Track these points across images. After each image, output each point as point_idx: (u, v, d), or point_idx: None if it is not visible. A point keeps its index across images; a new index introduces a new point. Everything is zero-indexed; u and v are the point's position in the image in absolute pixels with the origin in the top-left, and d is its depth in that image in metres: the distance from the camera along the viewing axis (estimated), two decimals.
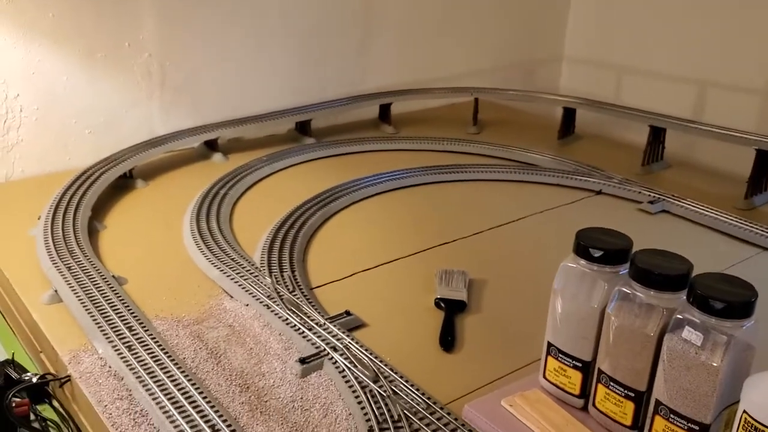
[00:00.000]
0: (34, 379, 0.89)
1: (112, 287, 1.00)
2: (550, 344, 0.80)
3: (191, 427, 0.74)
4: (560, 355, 0.79)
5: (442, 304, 1.00)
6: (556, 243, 1.22)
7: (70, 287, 0.98)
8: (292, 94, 1.69)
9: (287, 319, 0.94)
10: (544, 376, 0.81)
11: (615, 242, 0.76)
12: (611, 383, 0.74)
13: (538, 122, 1.89)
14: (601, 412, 0.76)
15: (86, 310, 0.94)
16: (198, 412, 0.77)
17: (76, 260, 1.05)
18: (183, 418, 0.76)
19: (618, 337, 0.73)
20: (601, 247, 0.75)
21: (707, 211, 1.31)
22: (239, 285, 1.02)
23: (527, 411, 0.78)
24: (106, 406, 0.79)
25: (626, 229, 1.27)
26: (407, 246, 1.18)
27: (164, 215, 1.27)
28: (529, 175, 1.47)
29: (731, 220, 1.27)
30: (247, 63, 1.63)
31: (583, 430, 0.75)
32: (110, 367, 0.85)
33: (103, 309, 0.94)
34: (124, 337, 0.89)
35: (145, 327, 0.91)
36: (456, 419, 0.77)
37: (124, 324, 0.91)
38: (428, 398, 0.80)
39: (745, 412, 0.61)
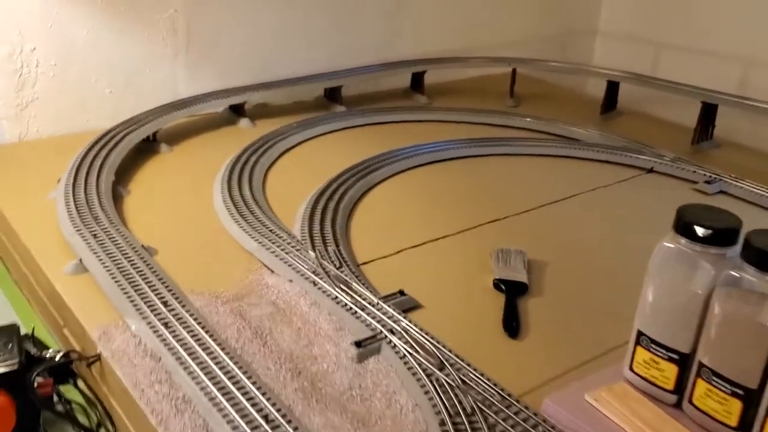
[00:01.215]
0: (58, 357, 0.81)
1: (143, 257, 0.91)
2: (640, 333, 0.72)
3: (242, 417, 0.66)
4: (653, 345, 0.71)
5: (502, 286, 0.92)
6: (614, 223, 1.15)
7: (97, 256, 0.90)
8: (322, 58, 1.60)
9: (336, 297, 0.86)
10: (631, 369, 0.73)
11: (723, 220, 0.67)
12: (714, 379, 0.66)
13: (576, 97, 1.80)
14: (700, 410, 0.68)
15: (116, 281, 0.85)
16: (248, 400, 0.68)
17: (102, 227, 0.96)
18: (232, 406, 0.67)
19: (726, 327, 0.65)
20: (708, 226, 0.67)
21: (766, 191, 1.23)
22: (281, 259, 0.93)
23: (616, 407, 0.70)
24: (143, 390, 0.71)
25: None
26: (455, 222, 1.09)
27: (192, 182, 1.18)
28: (576, 151, 1.38)
29: None
30: (274, 23, 1.53)
31: (681, 429, 0.67)
32: (146, 345, 0.77)
33: (135, 281, 0.86)
34: (160, 313, 0.80)
35: (181, 302, 0.83)
36: (535, 414, 0.69)
37: (159, 298, 0.83)
38: (501, 389, 0.72)
39: None
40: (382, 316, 0.82)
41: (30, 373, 0.74)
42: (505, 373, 0.75)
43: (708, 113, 1.45)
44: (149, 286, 0.85)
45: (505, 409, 0.70)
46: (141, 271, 0.88)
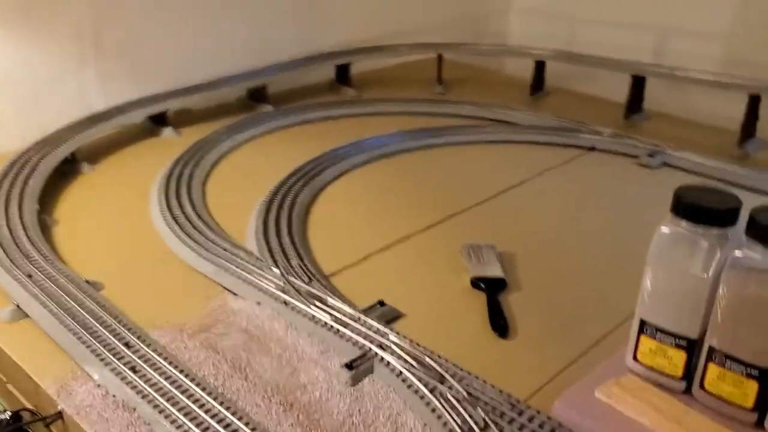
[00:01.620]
0: (4, 417, 0.72)
1: (89, 294, 0.82)
2: (644, 322, 0.69)
3: None
4: (659, 333, 0.68)
5: (482, 285, 0.88)
6: (570, 205, 1.14)
7: (36, 299, 0.80)
8: (242, 57, 1.51)
9: (314, 316, 0.79)
10: (635, 359, 0.71)
11: (722, 200, 0.66)
12: (728, 361, 0.65)
13: (502, 79, 1.79)
14: (713, 394, 0.67)
15: (64, 325, 0.76)
16: None
17: (36, 265, 0.86)
18: None
19: (736, 308, 0.63)
20: (708, 207, 0.65)
21: (708, 161, 1.25)
22: (243, 280, 0.86)
23: (629, 401, 0.67)
24: None
25: (633, 186, 1.22)
26: (415, 220, 1.05)
27: (124, 202, 1.08)
28: (516, 134, 1.37)
29: (736, 169, 1.22)
30: (187, 24, 1.43)
31: (704, 421, 0.65)
32: (115, 396, 0.68)
33: (86, 323, 0.77)
34: (123, 357, 0.72)
35: (144, 341, 0.75)
36: (549, 418, 0.66)
37: (119, 339, 0.74)
38: (509, 396, 0.69)
39: None
40: (368, 332, 0.77)
41: None
42: (504, 377, 0.71)
43: (638, 86, 1.46)
44: (104, 327, 0.76)
45: (517, 417, 0.66)
46: (91, 310, 0.79)
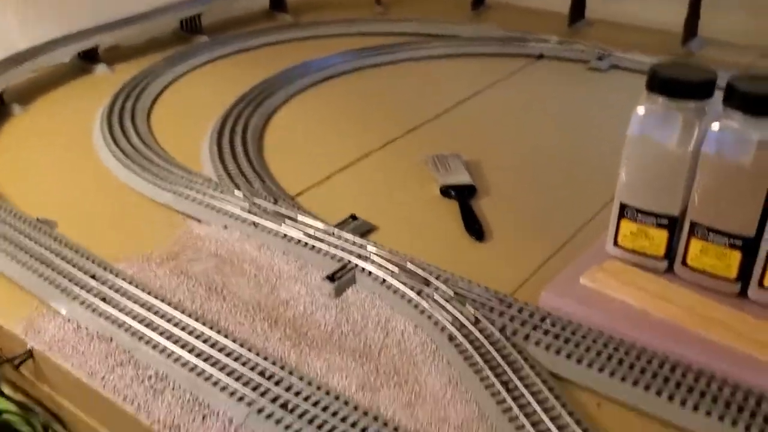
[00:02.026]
0: None
1: (45, 231, 0.77)
2: (624, 206, 0.69)
3: (236, 380, 0.57)
4: (639, 214, 0.68)
5: (452, 192, 0.87)
6: (527, 112, 1.13)
7: None
8: None
9: (285, 234, 0.77)
10: (616, 244, 0.71)
11: (697, 73, 0.65)
12: (711, 234, 0.65)
13: None
14: (696, 270, 0.67)
15: (22, 264, 0.71)
16: (235, 360, 0.59)
17: None
18: (219, 370, 0.58)
19: (718, 180, 0.63)
20: (684, 80, 0.64)
21: (656, 60, 1.25)
22: (205, 206, 0.82)
23: (615, 284, 0.67)
24: (104, 377, 0.59)
25: (586, 89, 1.22)
26: (373, 137, 1.02)
27: (66, 140, 1.01)
28: (462, 47, 1.34)
29: None
30: None
31: (689, 294, 0.66)
32: (87, 329, 0.64)
33: (45, 259, 0.72)
34: (91, 289, 0.68)
35: (111, 272, 0.71)
36: (537, 308, 0.66)
37: (83, 273, 0.70)
38: (495, 293, 0.68)
39: None
40: (345, 244, 0.75)
41: None
42: (487, 277, 0.71)
43: None
44: (66, 261, 0.72)
45: (506, 310, 0.65)
46: (48, 246, 0.74)
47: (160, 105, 1.13)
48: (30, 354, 0.64)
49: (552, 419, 0.54)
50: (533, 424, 0.53)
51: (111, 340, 0.63)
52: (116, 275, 0.70)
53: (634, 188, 0.68)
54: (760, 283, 0.64)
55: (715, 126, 0.63)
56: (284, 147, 1.00)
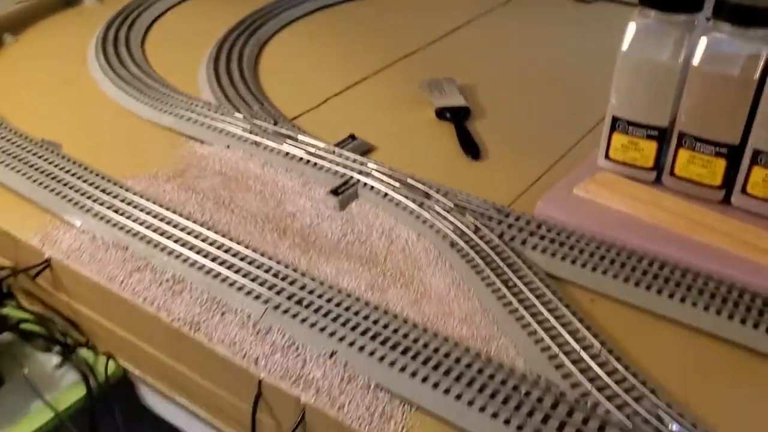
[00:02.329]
0: None
1: (52, 150, 0.79)
2: (616, 119, 0.72)
3: (252, 280, 0.60)
4: (631, 127, 0.72)
5: (447, 114, 0.89)
6: (522, 39, 1.15)
7: None
8: None
9: (288, 153, 0.79)
10: (607, 157, 0.74)
11: None
12: (698, 144, 0.69)
13: None
14: (683, 179, 0.71)
15: (33, 180, 0.73)
16: (250, 263, 0.62)
17: None
18: (235, 272, 0.61)
19: (706, 90, 0.66)
20: None
21: None
22: (207, 127, 0.84)
23: (607, 193, 0.71)
24: (122, 281, 0.62)
25: (573, 19, 1.24)
26: (368, 63, 1.04)
27: (61, 69, 1.02)
28: None
29: None
30: None
31: (677, 201, 0.70)
32: (103, 239, 0.67)
33: (55, 176, 0.74)
34: (104, 202, 0.70)
35: (122, 187, 0.73)
36: (533, 217, 0.69)
37: (94, 188, 0.72)
38: (493, 204, 0.71)
39: None
40: (346, 161, 0.77)
41: None
42: (484, 192, 0.73)
43: None
44: (76, 177, 0.74)
45: (504, 219, 0.69)
46: (58, 164, 0.76)
47: (153, 34, 1.13)
48: (48, 263, 0.66)
49: (550, 311, 0.58)
50: (532, 315, 0.57)
51: (126, 248, 0.65)
52: (126, 191, 0.72)
53: (625, 102, 0.71)
54: (743, 190, 0.68)
55: (705, 38, 0.65)
56: (279, 74, 1.02)
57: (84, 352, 0.67)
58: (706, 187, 0.70)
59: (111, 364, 0.67)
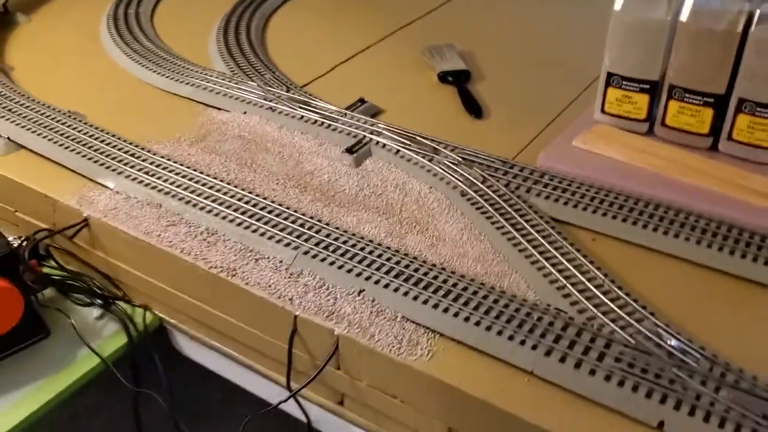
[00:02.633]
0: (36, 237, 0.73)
1: (78, 119, 0.83)
2: (611, 75, 0.77)
3: (281, 230, 0.65)
4: (624, 82, 0.77)
5: (450, 78, 0.94)
6: (518, 8, 1.19)
7: (27, 129, 0.80)
8: None
9: (303, 116, 0.83)
10: (603, 110, 0.80)
11: None
12: (687, 95, 0.74)
13: None
14: (674, 128, 0.76)
15: (65, 147, 0.78)
16: (277, 216, 0.67)
17: (13, 101, 0.85)
18: (264, 224, 0.66)
19: (695, 44, 0.72)
20: None
21: None
22: (224, 95, 0.88)
23: (604, 144, 0.76)
24: (159, 235, 0.67)
25: None
26: (371, 32, 1.08)
27: (76, 44, 1.06)
28: None
29: None
30: None
31: (668, 148, 0.75)
32: (137, 198, 0.71)
33: (84, 142, 0.78)
34: (134, 165, 0.75)
35: (149, 151, 0.77)
36: (536, 169, 0.74)
37: (124, 152, 0.77)
38: (498, 158, 0.76)
39: None
40: (358, 123, 0.82)
41: (22, 252, 0.68)
42: (488, 148, 0.79)
43: None
44: (104, 143, 0.78)
45: (509, 170, 0.74)
46: (85, 132, 0.80)
47: (161, 10, 1.17)
48: (86, 222, 0.71)
49: (556, 249, 0.63)
50: (540, 253, 0.62)
51: (160, 206, 0.70)
52: (154, 155, 0.77)
53: (619, 58, 0.76)
54: (729, 137, 0.73)
55: None
56: (287, 45, 1.06)
57: (121, 305, 0.72)
58: (695, 135, 0.75)
59: (148, 314, 0.72)
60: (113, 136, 0.80)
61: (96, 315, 0.72)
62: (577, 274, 0.60)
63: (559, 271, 0.60)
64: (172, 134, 0.83)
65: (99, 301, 0.71)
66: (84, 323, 0.71)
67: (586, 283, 0.59)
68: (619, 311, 0.56)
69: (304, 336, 0.60)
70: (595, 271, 0.60)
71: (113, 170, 0.74)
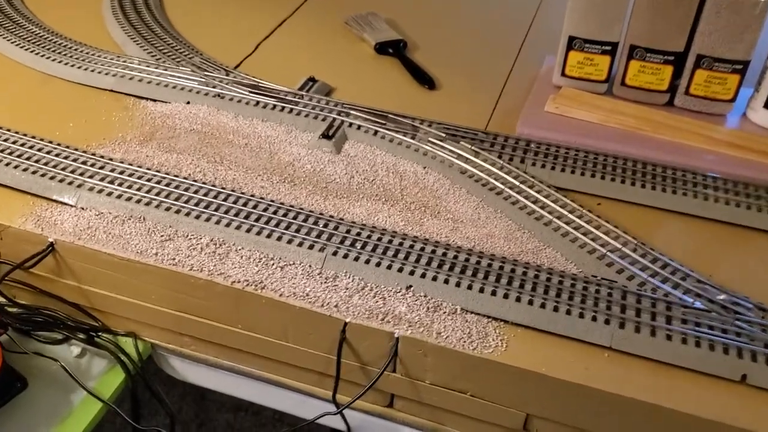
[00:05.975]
0: None
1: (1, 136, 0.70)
2: (572, 38, 0.78)
3: (296, 232, 0.60)
4: (587, 45, 0.78)
5: (390, 49, 0.90)
6: None
7: None
8: None
9: (258, 102, 0.77)
10: (564, 74, 0.81)
11: None
12: (648, 54, 0.77)
13: None
14: (633, 87, 0.79)
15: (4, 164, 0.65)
16: (284, 215, 0.61)
17: None
18: (274, 226, 0.60)
19: (656, 3, 0.74)
20: None
21: None
22: (157, 84, 0.79)
23: (575, 107, 0.77)
24: (156, 253, 0.59)
25: None
26: (278, 5, 1.01)
27: None
28: None
29: None
30: None
31: (629, 105, 0.78)
32: (113, 214, 0.62)
33: (19, 153, 0.66)
34: (93, 175, 0.65)
35: (102, 157, 0.67)
36: (518, 139, 0.74)
37: (71, 160, 0.66)
38: (479, 130, 0.75)
39: None
40: (320, 104, 0.77)
41: None
42: (457, 119, 0.77)
43: None
44: (45, 152, 0.67)
45: (495, 142, 0.73)
46: (13, 141, 0.68)
47: None
48: (52, 248, 0.60)
49: (579, 218, 0.63)
50: (567, 224, 0.62)
51: (144, 218, 0.61)
52: (110, 160, 0.67)
53: (581, 21, 0.77)
54: (687, 91, 0.78)
55: None
56: (195, 24, 0.96)
57: (105, 336, 0.63)
58: (654, 92, 0.79)
59: (139, 343, 0.63)
60: (50, 143, 0.68)
61: (76, 353, 0.62)
62: (611, 241, 0.61)
63: (593, 240, 0.61)
64: (113, 134, 0.73)
65: (81, 335, 0.62)
66: (66, 364, 0.61)
67: (624, 249, 0.60)
68: (663, 272, 0.58)
69: (353, 342, 0.56)
70: (625, 236, 0.62)
71: (69, 183, 0.64)
